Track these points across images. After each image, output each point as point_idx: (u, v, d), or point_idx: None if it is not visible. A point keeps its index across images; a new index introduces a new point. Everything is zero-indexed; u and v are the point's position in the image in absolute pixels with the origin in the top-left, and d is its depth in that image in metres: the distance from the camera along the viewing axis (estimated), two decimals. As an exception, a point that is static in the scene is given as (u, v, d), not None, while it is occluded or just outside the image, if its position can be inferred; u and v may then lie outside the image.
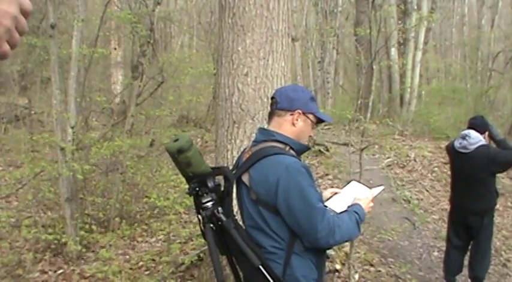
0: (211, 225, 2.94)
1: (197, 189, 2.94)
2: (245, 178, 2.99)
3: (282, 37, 5.25)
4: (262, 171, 2.89)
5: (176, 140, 2.84)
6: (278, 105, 3.06)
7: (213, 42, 17.33)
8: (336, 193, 3.36)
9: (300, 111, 3.03)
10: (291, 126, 3.04)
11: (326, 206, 3.01)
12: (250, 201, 2.98)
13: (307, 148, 3.25)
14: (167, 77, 10.98)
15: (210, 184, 2.93)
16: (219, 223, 2.94)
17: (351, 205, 3.12)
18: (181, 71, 11.84)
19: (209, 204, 2.93)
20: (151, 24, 9.95)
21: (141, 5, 10.89)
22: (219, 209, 2.93)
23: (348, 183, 3.47)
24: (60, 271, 6.99)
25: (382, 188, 3.45)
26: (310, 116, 3.08)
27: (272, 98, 3.13)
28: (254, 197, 2.92)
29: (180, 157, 2.81)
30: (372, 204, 3.21)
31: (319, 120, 3.17)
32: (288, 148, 3.00)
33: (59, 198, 7.92)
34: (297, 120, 3.03)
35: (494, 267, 7.39)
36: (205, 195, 2.94)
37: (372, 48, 8.11)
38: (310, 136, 3.20)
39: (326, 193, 3.38)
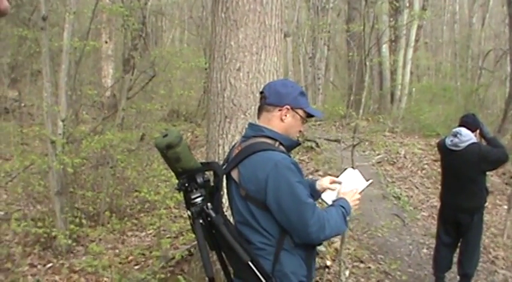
0: (201, 221, 2.94)
1: (186, 184, 2.94)
2: (234, 174, 2.97)
3: (275, 32, 5.24)
4: (251, 168, 2.87)
5: (165, 136, 2.83)
6: (267, 100, 3.04)
7: (204, 37, 17.33)
8: (333, 181, 3.34)
9: (288, 106, 3.01)
10: (280, 121, 3.02)
11: (319, 199, 3.05)
12: (239, 197, 2.96)
13: (298, 144, 3.21)
14: (158, 71, 10.95)
15: (199, 180, 2.93)
16: (208, 219, 2.93)
17: (337, 199, 3.13)
18: (172, 65, 11.83)
19: (198, 200, 2.92)
20: (143, 17, 9.93)
21: (133, -1, 10.85)
22: (208, 204, 2.93)
23: (344, 170, 3.45)
24: (50, 265, 6.96)
25: (370, 181, 3.40)
26: (300, 111, 3.06)
27: (261, 92, 3.10)
28: (243, 193, 2.90)
29: (169, 153, 2.82)
30: (357, 196, 3.19)
31: (309, 115, 3.15)
32: (277, 144, 2.98)
33: (48, 191, 7.87)
34: (286, 115, 3.01)
35: (483, 264, 7.42)
36: (194, 191, 2.94)
37: (364, 45, 8.11)
38: (301, 131, 3.18)
39: (324, 181, 3.36)
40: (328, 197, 3.22)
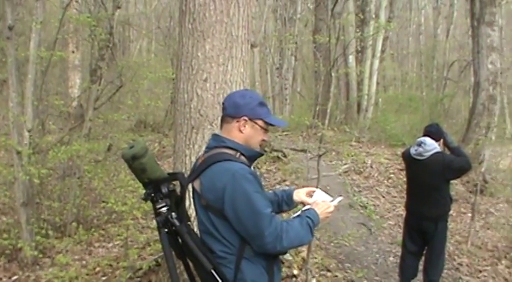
0: (167, 230, 2.99)
1: (152, 194, 2.99)
2: (196, 184, 3.01)
3: (242, 43, 5.28)
4: (210, 178, 2.91)
5: (131, 147, 2.88)
6: (226, 111, 3.08)
7: (171, 47, 17.32)
8: (310, 191, 3.40)
9: (246, 117, 3.03)
10: (239, 132, 3.04)
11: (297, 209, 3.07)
12: (200, 207, 3.00)
13: (259, 154, 3.19)
14: (125, 81, 10.91)
15: (164, 190, 2.98)
16: (173, 228, 2.98)
17: (305, 209, 3.13)
18: (139, 75, 11.79)
19: (164, 209, 2.98)
20: (110, 28, 9.89)
21: (101, 9, 10.81)
22: (173, 214, 2.98)
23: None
24: (15, 277, 6.88)
25: (341, 198, 3.40)
26: (259, 122, 3.06)
27: (223, 103, 3.14)
28: (204, 202, 2.95)
29: (134, 163, 2.86)
30: (330, 209, 3.16)
31: (271, 125, 3.15)
32: (238, 154, 3.01)
33: (14, 202, 7.79)
34: (244, 126, 3.03)
35: (448, 271, 7.52)
36: (159, 200, 2.99)
37: (330, 55, 8.19)
38: (264, 140, 3.17)
39: (301, 192, 3.41)
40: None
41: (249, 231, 2.83)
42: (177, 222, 2.96)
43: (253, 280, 2.95)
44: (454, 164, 5.95)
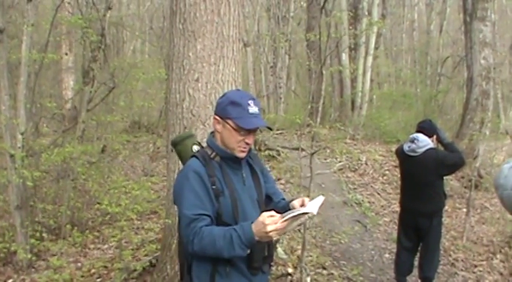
0: None
1: None
2: None
3: (233, 43, 5.29)
4: None
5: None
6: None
7: (165, 48, 17.29)
8: (303, 201, 3.09)
9: (216, 116, 3.03)
10: (216, 132, 3.06)
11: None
12: None
13: (233, 157, 3.04)
14: (118, 82, 10.89)
15: None
16: None
17: (242, 224, 2.83)
18: (132, 76, 11.77)
19: None
20: (102, 29, 9.86)
21: (92, 10, 10.78)
22: None
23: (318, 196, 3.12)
24: (10, 281, 6.87)
25: (321, 198, 3.06)
26: (229, 122, 2.96)
27: None
28: None
29: (175, 149, 3.32)
30: (266, 229, 2.68)
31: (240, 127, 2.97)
32: (214, 153, 3.05)
33: (8, 205, 7.77)
34: (216, 125, 3.04)
35: (443, 266, 7.55)
36: None
37: (321, 53, 8.18)
38: (247, 143, 3.01)
39: (295, 202, 3.13)
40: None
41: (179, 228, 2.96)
42: None
43: (198, 277, 2.99)
44: (447, 160, 5.96)
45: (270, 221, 2.68)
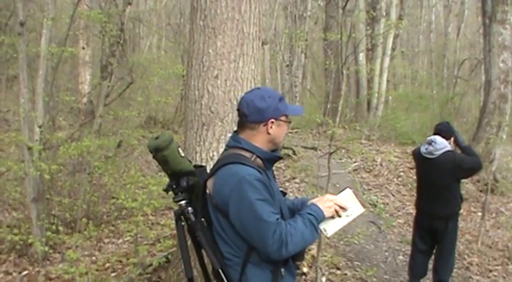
0: (183, 223, 3.04)
1: (174, 186, 3.04)
2: (209, 183, 2.96)
3: (253, 40, 5.28)
4: (220, 180, 2.88)
5: (156, 138, 2.96)
6: (248, 118, 2.97)
7: (182, 44, 17.30)
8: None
9: (272, 119, 2.96)
10: (266, 135, 2.98)
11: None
12: (211, 207, 2.97)
13: (277, 157, 3.11)
14: (136, 77, 10.92)
15: (183, 184, 3.01)
16: (188, 223, 3.01)
17: (307, 206, 3.00)
18: (150, 72, 11.81)
19: (183, 202, 3.02)
20: (121, 24, 9.89)
21: (112, 5, 10.81)
22: (189, 209, 3.00)
23: (343, 190, 3.19)
24: (25, 272, 6.91)
25: (349, 191, 3.14)
26: (283, 118, 3.00)
27: (238, 110, 3.03)
28: (214, 203, 2.92)
29: (157, 155, 2.98)
30: (329, 204, 2.97)
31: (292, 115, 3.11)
32: (254, 157, 2.94)
33: (25, 198, 7.82)
34: (271, 128, 2.96)
35: (458, 270, 7.51)
36: (179, 193, 3.03)
37: (341, 53, 8.14)
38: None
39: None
40: (328, 227, 3.04)
41: (253, 238, 2.80)
42: (192, 217, 2.99)
43: None
44: (464, 164, 5.92)
45: (326, 197, 3.03)
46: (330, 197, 3.03)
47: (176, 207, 3.08)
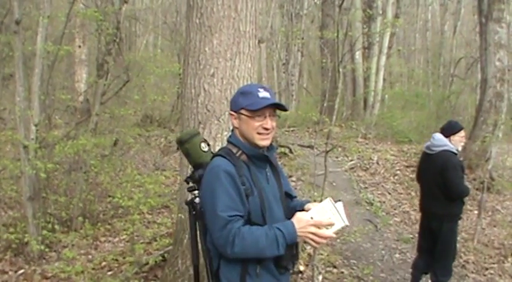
0: (194, 211, 3.07)
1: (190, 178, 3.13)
2: None
3: (249, 38, 5.28)
4: (205, 172, 2.97)
5: (182, 131, 3.03)
6: None
7: (178, 42, 17.31)
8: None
9: (232, 112, 3.00)
10: (236, 129, 3.02)
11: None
12: None
13: (261, 155, 3.01)
14: (132, 76, 10.90)
15: (196, 175, 3.07)
16: (194, 212, 3.05)
17: (286, 222, 2.84)
18: (146, 70, 11.78)
19: (195, 192, 3.06)
20: (117, 22, 9.87)
21: (108, 3, 10.79)
22: (197, 199, 3.02)
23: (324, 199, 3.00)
24: (21, 271, 6.89)
25: (344, 224, 2.95)
26: (243, 112, 2.92)
27: None
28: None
29: (182, 147, 3.18)
30: (309, 229, 2.78)
31: (258, 109, 2.90)
32: (239, 152, 2.96)
33: (20, 196, 7.80)
34: (235, 120, 2.99)
35: (454, 268, 7.45)
36: (191, 183, 3.11)
37: (338, 51, 8.14)
38: (265, 128, 2.93)
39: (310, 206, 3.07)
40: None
41: (209, 227, 2.86)
42: (198, 207, 3.00)
43: (228, 279, 2.90)
44: (450, 174, 5.81)
45: (311, 223, 2.79)
46: (312, 221, 2.81)
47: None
